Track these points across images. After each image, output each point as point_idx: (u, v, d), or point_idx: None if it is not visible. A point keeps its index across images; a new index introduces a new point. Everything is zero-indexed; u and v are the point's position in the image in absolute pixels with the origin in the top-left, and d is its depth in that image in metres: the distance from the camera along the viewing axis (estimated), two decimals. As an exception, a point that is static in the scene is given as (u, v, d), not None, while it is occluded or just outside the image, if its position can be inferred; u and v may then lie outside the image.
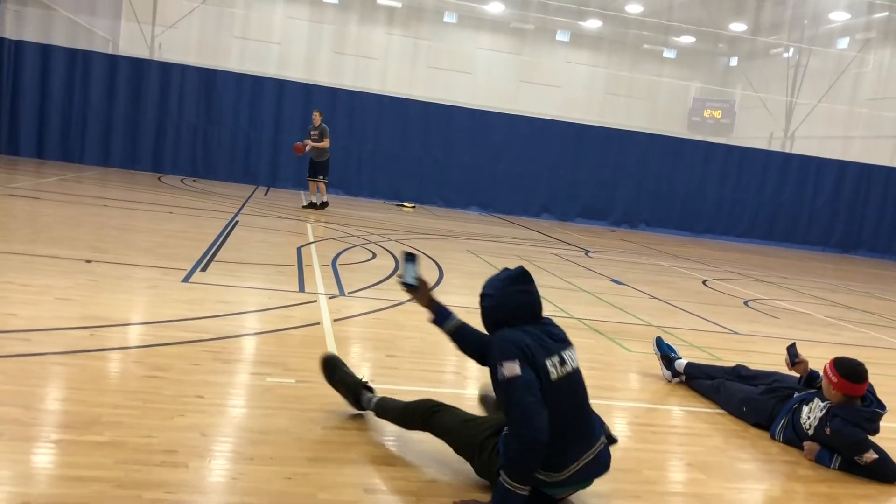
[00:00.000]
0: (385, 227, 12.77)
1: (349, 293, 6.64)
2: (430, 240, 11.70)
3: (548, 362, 2.94)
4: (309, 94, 18.44)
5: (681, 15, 26.50)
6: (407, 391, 3.56)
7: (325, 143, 13.96)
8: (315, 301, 6.19)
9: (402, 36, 25.75)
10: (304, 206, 14.26)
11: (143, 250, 7.62)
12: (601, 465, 3.08)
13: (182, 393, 3.69)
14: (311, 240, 10.00)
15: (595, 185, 20.33)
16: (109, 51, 20.41)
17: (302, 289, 6.70)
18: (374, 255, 9.09)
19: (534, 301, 3.12)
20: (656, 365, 5.26)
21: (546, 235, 15.49)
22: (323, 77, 21.62)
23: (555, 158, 20.08)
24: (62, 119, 17.42)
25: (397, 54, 25.64)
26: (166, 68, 18.16)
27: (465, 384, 4.62)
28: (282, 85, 18.70)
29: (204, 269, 6.89)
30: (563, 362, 3.00)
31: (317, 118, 14.07)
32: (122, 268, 6.50)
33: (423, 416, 3.38)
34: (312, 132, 14.07)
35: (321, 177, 14.13)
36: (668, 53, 30.80)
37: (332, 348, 4.85)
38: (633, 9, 27.26)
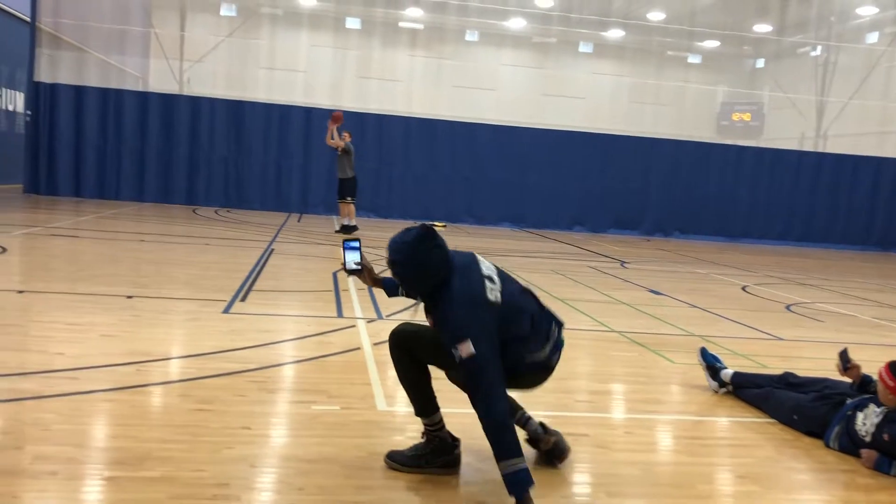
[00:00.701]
0: (418, 247, 12.78)
1: (387, 316, 6.65)
2: (463, 258, 11.69)
3: (489, 297, 3.06)
4: (336, 120, 18.60)
5: (704, 19, 26.33)
6: (451, 413, 3.54)
7: (338, 143, 13.91)
8: (354, 326, 6.21)
9: (425, 57, 25.89)
10: (336, 231, 14.36)
11: (182, 283, 7.72)
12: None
13: (229, 425, 3.72)
14: (346, 264, 10.03)
15: (626, 195, 20.21)
16: (140, 88, 20.82)
17: (340, 314, 6.73)
18: (410, 277, 9.10)
19: (447, 254, 3.13)
20: (701, 376, 5.18)
21: (580, 248, 15.41)
22: (349, 102, 21.78)
23: (584, 170, 20.03)
24: (97, 157, 17.82)
25: (421, 75, 25.78)
26: (196, 102, 18.49)
27: (524, 404, 4.59)
28: (309, 112, 18.91)
29: (243, 300, 6.96)
30: (492, 280, 3.13)
31: (346, 137, 14.24)
32: (162, 302, 6.59)
33: (405, 358, 3.41)
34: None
35: (348, 198, 14.21)
36: (693, 59, 30.57)
37: (373, 373, 4.86)
38: (655, 16, 27.17)
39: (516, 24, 27.86)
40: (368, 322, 6.38)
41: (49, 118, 17.57)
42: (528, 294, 3.36)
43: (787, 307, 9.27)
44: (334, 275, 8.97)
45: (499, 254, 12.82)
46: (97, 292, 6.74)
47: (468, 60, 27.39)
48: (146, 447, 3.36)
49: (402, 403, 4.33)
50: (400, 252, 3.09)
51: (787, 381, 4.69)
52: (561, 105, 28.10)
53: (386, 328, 6.17)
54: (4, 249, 8.90)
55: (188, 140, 18.20)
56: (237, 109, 18.53)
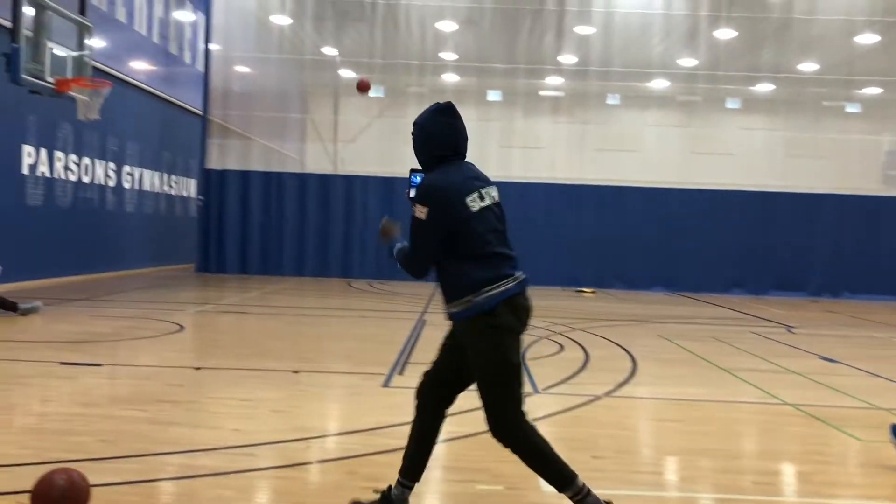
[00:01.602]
0: (567, 315, 12.62)
1: (542, 390, 6.57)
2: (615, 326, 11.43)
3: (468, 199, 3.34)
4: (482, 190, 19.01)
5: (862, 67, 24.99)
6: (621, 496, 3.42)
7: None
8: (510, 400, 6.16)
9: (567, 123, 26.05)
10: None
11: (342, 357, 8.00)
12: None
13: (396, 504, 3.75)
14: (498, 335, 10.06)
15: (788, 254, 19.17)
16: (298, 169, 22.21)
17: (496, 387, 6.70)
18: (562, 348, 8.98)
19: (456, 135, 3.45)
20: (892, 455, 4.73)
21: (740, 312, 14.68)
22: (493, 171, 22.03)
23: (739, 229, 19.26)
24: (261, 236, 19.12)
25: (564, 141, 25.89)
26: (349, 180, 19.52)
27: (691, 484, 4.38)
28: (455, 184, 19.40)
29: (401, 373, 7.10)
30: (482, 198, 3.41)
31: None
32: (325, 376, 6.85)
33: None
34: None
35: None
36: (852, 108, 28.99)
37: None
38: (808, 67, 26.08)
39: (659, 84, 27.57)
40: (524, 396, 6.31)
41: (218, 201, 19.09)
42: (501, 235, 3.60)
43: None
44: (487, 346, 8.99)
45: (652, 320, 12.44)
46: (266, 367, 7.10)
47: (611, 123, 27.29)
48: (319, 526, 3.45)
49: (565, 483, 4.22)
50: (421, 115, 3.49)
51: None
52: (710, 163, 27.27)
53: (543, 402, 6.11)
54: (182, 327, 9.59)
55: (343, 216, 19.22)
56: (388, 185, 19.36)
